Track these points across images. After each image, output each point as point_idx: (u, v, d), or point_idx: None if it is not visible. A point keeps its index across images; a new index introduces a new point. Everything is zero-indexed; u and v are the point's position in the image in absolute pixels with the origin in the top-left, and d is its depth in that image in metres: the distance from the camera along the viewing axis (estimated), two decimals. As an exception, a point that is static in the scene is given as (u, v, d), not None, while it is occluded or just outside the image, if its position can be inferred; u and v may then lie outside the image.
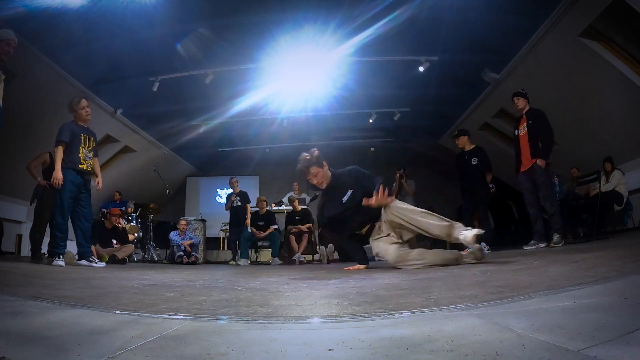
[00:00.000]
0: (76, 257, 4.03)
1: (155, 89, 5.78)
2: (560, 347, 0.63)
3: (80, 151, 3.87)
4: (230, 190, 7.08)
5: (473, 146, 5.09)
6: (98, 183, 4.11)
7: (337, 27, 4.74)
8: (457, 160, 5.23)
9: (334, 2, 4.46)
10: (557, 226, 4.08)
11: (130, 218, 7.11)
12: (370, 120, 7.64)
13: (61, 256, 3.67)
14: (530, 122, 4.21)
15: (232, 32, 5.04)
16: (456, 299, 1.13)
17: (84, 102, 3.99)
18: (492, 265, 2.42)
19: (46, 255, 4.86)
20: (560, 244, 3.94)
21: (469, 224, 5.14)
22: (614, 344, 0.62)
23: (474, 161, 4.94)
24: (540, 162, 4.05)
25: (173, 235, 6.80)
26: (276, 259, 6.45)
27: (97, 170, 4.15)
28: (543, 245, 4.06)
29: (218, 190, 10.42)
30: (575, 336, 0.67)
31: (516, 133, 4.40)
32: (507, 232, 8.11)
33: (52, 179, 3.70)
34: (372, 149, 9.57)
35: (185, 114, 7.21)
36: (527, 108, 4.30)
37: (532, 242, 4.17)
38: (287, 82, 6.07)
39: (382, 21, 4.59)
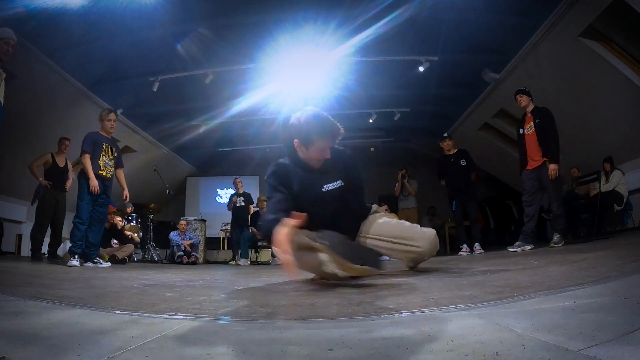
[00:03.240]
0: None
1: (155, 89, 5.78)
2: (560, 347, 0.63)
3: (101, 158, 4.12)
4: (232, 191, 7.08)
5: (456, 149, 5.27)
6: (126, 197, 4.37)
7: (337, 27, 4.74)
8: (441, 163, 5.39)
9: (334, 2, 4.46)
10: (560, 227, 4.08)
11: (130, 218, 7.11)
12: (370, 120, 7.64)
13: (77, 256, 3.82)
14: (537, 120, 4.17)
15: (232, 32, 5.04)
16: (456, 299, 1.13)
17: (112, 116, 4.23)
18: (492, 265, 2.42)
19: (46, 255, 4.87)
20: (561, 244, 3.93)
21: (461, 224, 5.17)
22: (614, 344, 0.62)
23: (463, 162, 5.12)
24: (552, 166, 3.99)
25: (173, 235, 6.80)
26: (276, 259, 6.44)
27: (123, 182, 4.37)
28: (529, 247, 3.99)
29: (218, 190, 10.42)
30: (575, 336, 0.67)
31: (521, 132, 4.37)
32: (507, 232, 8.11)
33: (90, 188, 3.91)
34: (372, 149, 9.58)
35: (185, 114, 7.21)
36: (531, 106, 4.27)
37: (518, 243, 4.10)
38: (287, 82, 6.07)
39: (382, 21, 4.59)
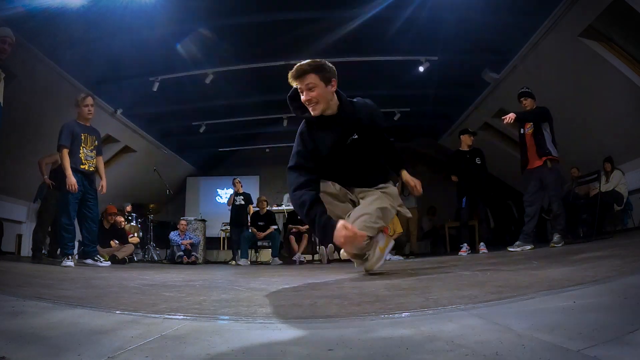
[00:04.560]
0: (76, 256, 4.04)
1: (155, 89, 5.78)
2: (560, 347, 0.63)
3: (81, 151, 3.81)
4: (232, 191, 7.10)
5: (473, 147, 5.18)
6: (102, 187, 4.00)
7: (337, 27, 4.73)
8: (456, 158, 5.23)
9: (334, 2, 4.46)
10: (560, 227, 4.08)
11: (130, 218, 7.12)
12: (371, 121, 7.63)
13: (70, 257, 3.65)
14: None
15: (232, 32, 5.04)
16: (456, 299, 1.13)
17: (88, 100, 3.92)
18: (492, 265, 2.42)
19: (46, 255, 4.87)
20: (560, 244, 3.93)
21: (467, 223, 5.16)
22: (614, 344, 0.62)
23: (478, 160, 5.05)
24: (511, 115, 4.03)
25: (173, 235, 6.80)
26: (276, 259, 6.45)
27: (101, 171, 4.05)
28: (529, 247, 4.00)
29: (218, 190, 10.41)
30: (575, 336, 0.67)
31: (522, 131, 4.37)
32: (507, 232, 8.10)
33: (67, 185, 3.64)
34: (372, 149, 9.56)
35: (185, 114, 7.21)
36: (534, 107, 4.29)
37: (518, 243, 4.11)
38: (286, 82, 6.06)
39: (382, 21, 4.59)
